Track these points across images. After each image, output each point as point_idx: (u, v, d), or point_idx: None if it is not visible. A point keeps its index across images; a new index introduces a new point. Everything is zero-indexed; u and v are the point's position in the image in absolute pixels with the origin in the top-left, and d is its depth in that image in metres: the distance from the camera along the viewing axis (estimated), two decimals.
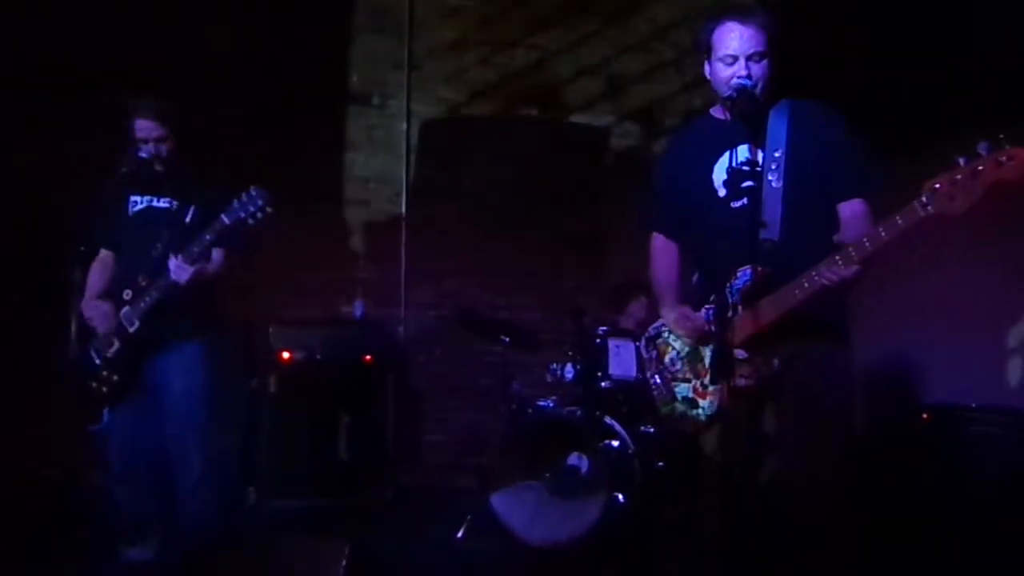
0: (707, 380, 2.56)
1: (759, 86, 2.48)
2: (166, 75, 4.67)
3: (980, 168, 2.08)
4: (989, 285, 4.25)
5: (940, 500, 3.46)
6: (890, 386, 4.42)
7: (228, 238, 3.17)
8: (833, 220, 2.51)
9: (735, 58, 2.49)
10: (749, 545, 2.36)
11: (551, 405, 4.32)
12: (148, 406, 3.32)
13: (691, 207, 2.70)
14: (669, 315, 2.73)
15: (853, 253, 2.26)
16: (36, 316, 4.29)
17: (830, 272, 2.29)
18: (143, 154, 3.28)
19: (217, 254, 3.28)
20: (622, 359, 4.29)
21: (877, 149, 2.58)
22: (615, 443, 4.00)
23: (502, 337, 4.49)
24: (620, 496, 3.83)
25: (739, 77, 2.47)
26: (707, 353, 2.55)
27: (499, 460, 4.16)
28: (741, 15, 2.51)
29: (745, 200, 2.50)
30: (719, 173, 2.60)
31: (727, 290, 2.45)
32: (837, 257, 2.28)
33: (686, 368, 2.67)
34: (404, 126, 5.76)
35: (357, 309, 5.56)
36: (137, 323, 3.25)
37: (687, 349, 2.68)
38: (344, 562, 2.50)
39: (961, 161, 2.11)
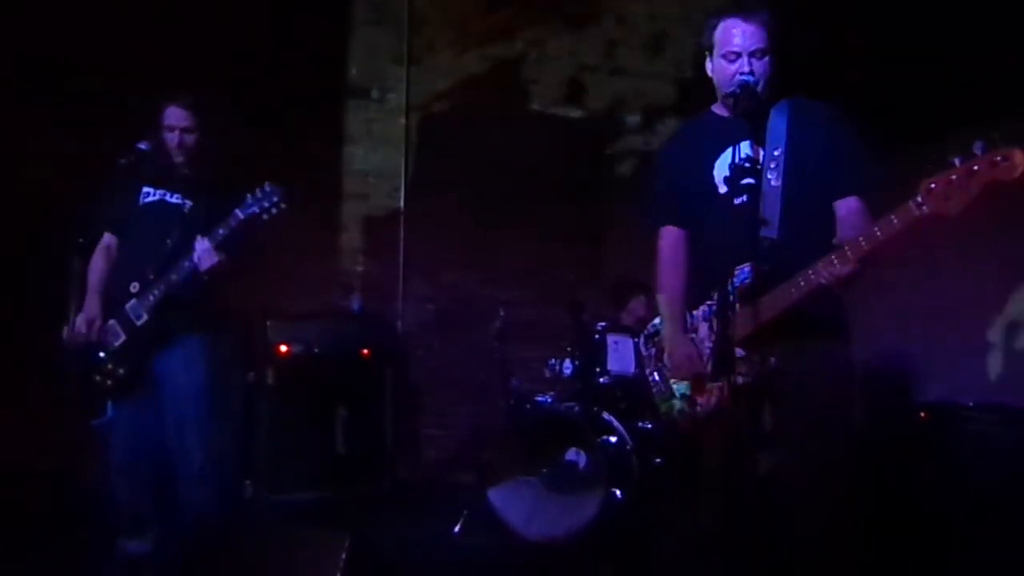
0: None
1: (761, 83, 2.48)
2: (165, 70, 4.66)
3: (975, 168, 2.08)
4: (985, 283, 4.27)
5: (938, 498, 3.48)
6: (887, 385, 4.42)
7: (237, 237, 3.18)
8: (831, 219, 2.51)
9: (738, 55, 2.49)
10: (748, 542, 2.37)
11: (549, 400, 4.32)
12: (150, 400, 3.32)
13: (691, 204, 2.69)
14: (674, 349, 2.67)
15: (849, 252, 2.26)
16: (36, 312, 4.28)
17: (826, 270, 2.30)
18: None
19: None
20: (620, 355, 4.30)
21: (877, 149, 2.58)
22: (613, 439, 4.01)
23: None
24: (618, 492, 3.84)
25: (742, 73, 2.47)
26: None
27: (497, 455, 4.17)
28: (743, 12, 2.51)
29: (745, 197, 2.50)
30: (720, 170, 2.60)
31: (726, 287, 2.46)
32: (833, 256, 2.29)
33: None
34: (403, 120, 5.77)
35: (355, 303, 5.56)
36: (145, 316, 3.26)
37: None
38: (344, 555, 2.49)
39: (956, 161, 2.11)
